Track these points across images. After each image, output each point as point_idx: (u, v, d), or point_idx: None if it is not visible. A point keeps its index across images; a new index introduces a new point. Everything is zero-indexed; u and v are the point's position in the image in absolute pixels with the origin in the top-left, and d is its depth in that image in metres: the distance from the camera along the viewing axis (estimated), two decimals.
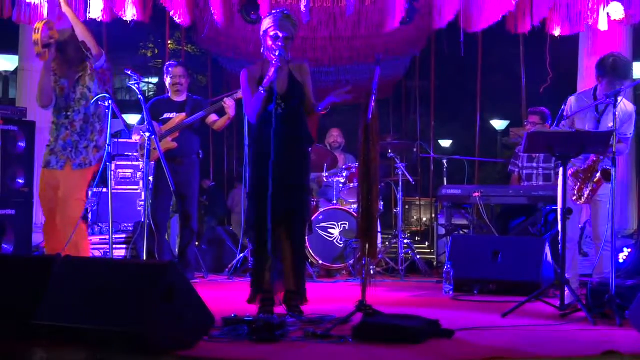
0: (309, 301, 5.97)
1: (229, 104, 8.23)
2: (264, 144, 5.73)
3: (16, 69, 11.77)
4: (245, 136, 8.96)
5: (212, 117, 8.49)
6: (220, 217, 15.57)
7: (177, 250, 8.83)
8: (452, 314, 6.20)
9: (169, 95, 8.62)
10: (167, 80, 8.60)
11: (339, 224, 9.24)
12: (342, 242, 9.20)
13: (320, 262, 9.07)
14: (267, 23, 5.90)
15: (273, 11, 5.99)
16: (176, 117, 8.38)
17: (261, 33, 5.95)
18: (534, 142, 6.37)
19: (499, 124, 23.63)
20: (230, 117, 8.33)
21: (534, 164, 9.11)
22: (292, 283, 5.89)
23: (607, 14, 9.29)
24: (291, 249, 5.87)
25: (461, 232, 9.42)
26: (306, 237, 6.27)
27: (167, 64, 8.72)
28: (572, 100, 6.78)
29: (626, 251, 8.40)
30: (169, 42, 14.60)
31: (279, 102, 5.77)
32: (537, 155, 8.97)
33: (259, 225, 5.70)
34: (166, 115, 8.43)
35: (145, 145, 6.41)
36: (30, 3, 9.38)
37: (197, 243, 9.30)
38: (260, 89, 5.75)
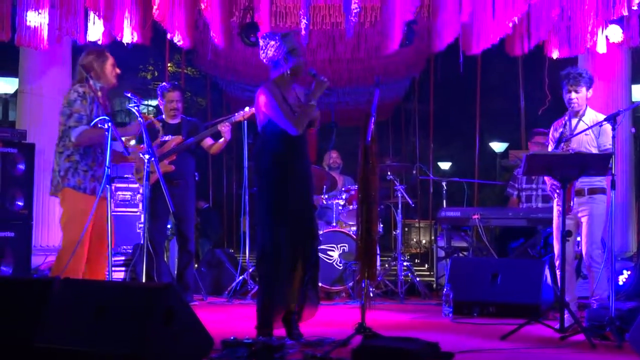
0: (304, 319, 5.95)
1: (224, 129, 8.24)
2: (288, 163, 5.75)
3: (16, 91, 11.81)
4: (245, 157, 9.01)
5: (208, 141, 8.49)
6: (215, 239, 15.54)
7: (175, 272, 8.82)
8: (452, 337, 6.20)
9: (164, 117, 8.62)
10: (162, 103, 8.59)
11: (338, 246, 9.24)
12: (341, 265, 9.20)
13: (320, 284, 9.05)
14: (288, 45, 5.84)
15: (286, 33, 5.93)
16: (172, 140, 8.38)
17: (281, 56, 5.85)
18: (533, 164, 6.38)
19: (498, 146, 23.67)
20: (227, 140, 8.35)
21: (533, 185, 9.13)
22: (296, 304, 5.87)
23: (606, 36, 9.33)
24: (304, 269, 5.83)
25: (460, 255, 9.42)
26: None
27: (161, 86, 8.68)
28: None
29: (626, 274, 8.40)
30: (169, 64, 14.65)
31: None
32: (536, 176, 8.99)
33: (283, 254, 5.71)
34: (163, 138, 8.42)
35: (144, 167, 6.40)
36: (30, 26, 9.41)
37: (195, 265, 9.29)
38: (313, 102, 5.75)
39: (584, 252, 6.78)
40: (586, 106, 6.93)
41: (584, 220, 6.81)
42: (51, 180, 6.55)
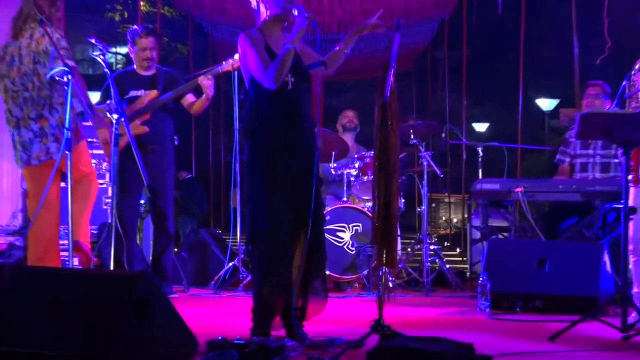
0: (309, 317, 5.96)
1: (206, 83, 8.20)
2: (280, 125, 5.73)
3: None
4: (235, 117, 8.99)
5: (189, 98, 8.46)
6: (200, 216, 15.55)
7: (150, 258, 8.84)
8: (489, 337, 6.20)
9: (135, 68, 8.58)
10: (133, 51, 8.54)
11: (350, 226, 9.25)
12: (353, 249, 9.21)
13: (327, 272, 9.05)
14: None
15: None
16: (145, 96, 8.33)
17: None
18: (588, 125, 6.33)
19: (546, 104, 23.65)
20: (209, 97, 8.31)
21: (590, 151, 9.06)
22: (299, 298, 5.86)
23: None
24: (306, 255, 5.82)
25: (500, 236, 9.41)
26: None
27: (131, 30, 8.61)
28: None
29: None
30: (142, 3, 14.59)
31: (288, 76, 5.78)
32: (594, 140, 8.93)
33: (281, 232, 5.71)
34: (132, 93, 8.37)
35: (113, 129, 6.39)
36: None
37: (175, 249, 9.30)
38: (288, 43, 5.71)
39: None
40: None
41: None
42: (34, 143, 6.59)
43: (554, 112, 22.55)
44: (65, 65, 6.27)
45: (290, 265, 5.76)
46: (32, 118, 6.64)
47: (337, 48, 6.04)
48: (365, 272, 9.12)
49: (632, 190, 6.53)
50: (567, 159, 9.26)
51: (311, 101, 5.99)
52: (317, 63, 5.86)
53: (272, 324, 5.75)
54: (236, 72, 8.35)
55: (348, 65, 6.03)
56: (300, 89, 5.83)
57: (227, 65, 8.18)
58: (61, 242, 7.24)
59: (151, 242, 9.08)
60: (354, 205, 9.45)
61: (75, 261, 7.90)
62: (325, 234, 8.67)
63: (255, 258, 5.83)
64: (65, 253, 6.61)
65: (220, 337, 5.16)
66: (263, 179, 5.73)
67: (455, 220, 22.05)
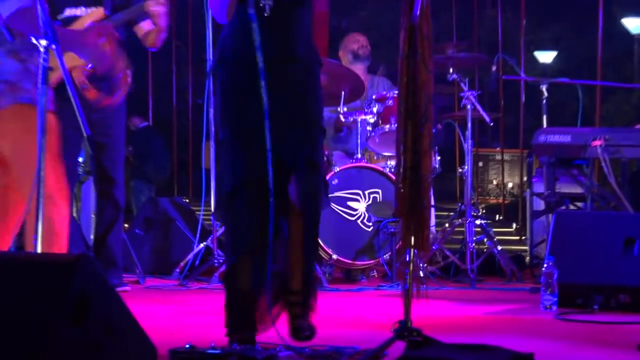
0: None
1: (155, 8, 8.11)
2: (248, 62, 5.70)
3: None
4: (208, 45, 8.99)
5: (145, 26, 8.41)
6: (160, 180, 15.56)
7: (92, 237, 8.86)
8: (556, 344, 6.22)
9: None
10: None
11: (366, 193, 9.25)
12: (370, 224, 9.22)
13: (335, 256, 9.07)
14: None
15: None
16: (88, 16, 8.30)
17: None
18: None
19: (635, 24, 23.56)
20: (161, 30, 8.24)
21: None
22: (297, 281, 5.83)
23: None
24: (298, 228, 5.81)
25: (572, 207, 9.42)
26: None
27: None
28: None
29: None
30: None
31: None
32: None
33: (247, 194, 5.68)
34: (69, 12, 8.36)
35: (40, 61, 6.38)
36: None
37: (126, 225, 9.32)
38: None
39: None
40: None
41: None
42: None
43: None
44: None
45: (266, 247, 5.69)
46: None
47: None
48: (386, 256, 9.13)
49: None
50: None
51: (308, 29, 5.91)
52: None
53: (257, 324, 5.73)
54: None
55: None
56: (286, 15, 5.75)
57: None
58: None
59: (93, 216, 9.11)
60: (371, 165, 9.45)
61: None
62: (332, 204, 8.73)
63: (226, 233, 5.84)
64: None
65: (187, 345, 5.18)
66: (230, 128, 5.74)
67: (510, 185, 22.08)
